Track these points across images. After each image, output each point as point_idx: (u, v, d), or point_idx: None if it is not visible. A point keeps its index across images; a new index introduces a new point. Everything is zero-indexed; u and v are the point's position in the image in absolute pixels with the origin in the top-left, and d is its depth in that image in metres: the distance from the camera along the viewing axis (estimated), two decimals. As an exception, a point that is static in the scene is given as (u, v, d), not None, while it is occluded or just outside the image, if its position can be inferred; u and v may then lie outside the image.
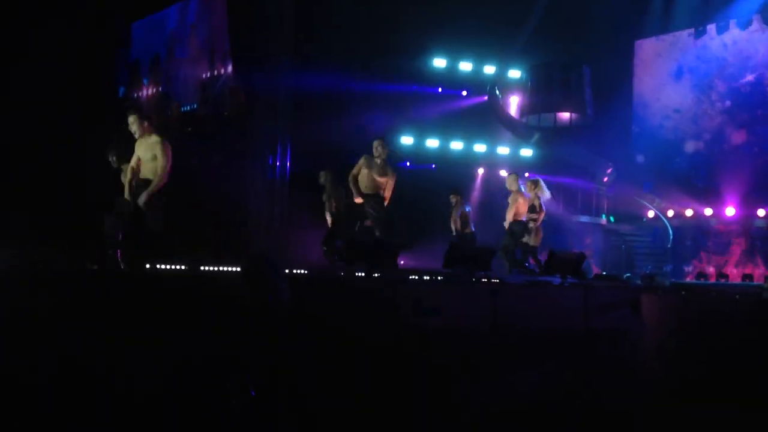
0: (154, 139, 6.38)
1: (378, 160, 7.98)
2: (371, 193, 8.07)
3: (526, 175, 9.67)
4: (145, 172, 6.38)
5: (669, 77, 15.81)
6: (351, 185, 8.27)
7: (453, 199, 9.79)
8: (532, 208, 9.18)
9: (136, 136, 6.47)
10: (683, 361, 7.08)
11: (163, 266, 5.99)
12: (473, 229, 9.76)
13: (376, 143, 8.07)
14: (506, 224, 9.18)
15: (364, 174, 8.06)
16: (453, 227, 9.76)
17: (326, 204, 9.59)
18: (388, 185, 8.06)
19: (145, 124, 6.44)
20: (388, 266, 5.05)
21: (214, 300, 4.45)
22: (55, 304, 4.14)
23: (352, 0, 12.90)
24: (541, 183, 9.32)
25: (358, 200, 7.96)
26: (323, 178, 9.59)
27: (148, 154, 6.33)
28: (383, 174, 8.06)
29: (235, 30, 13.13)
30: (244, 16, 12.84)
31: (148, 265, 6.07)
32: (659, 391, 6.92)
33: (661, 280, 10.00)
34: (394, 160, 9.27)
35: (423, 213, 12.35)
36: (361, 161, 8.05)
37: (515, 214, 9.11)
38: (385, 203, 8.07)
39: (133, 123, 6.45)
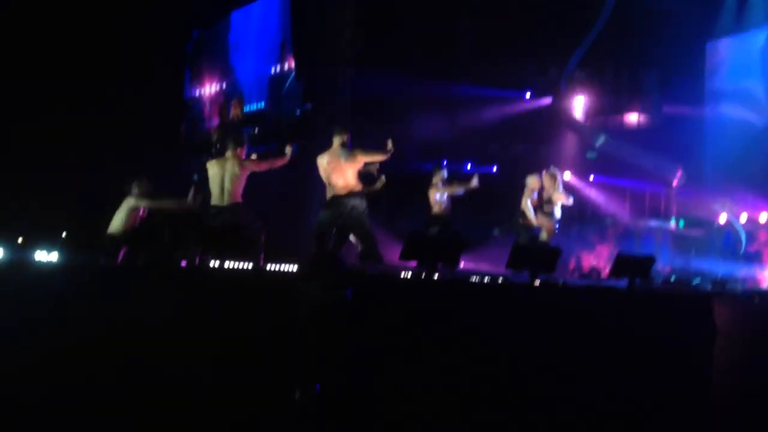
0: None
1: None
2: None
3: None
4: None
5: (742, 78, 15.26)
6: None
7: (475, 180, 9.56)
8: (547, 200, 9.23)
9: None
10: (755, 371, 6.79)
11: (228, 265, 6.10)
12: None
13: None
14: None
15: None
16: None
17: None
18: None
19: None
20: (449, 265, 4.99)
21: (279, 297, 4.47)
22: (125, 301, 4.23)
23: (413, 1, 12.90)
24: (558, 178, 9.34)
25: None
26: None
27: None
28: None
29: (297, 31, 13.25)
30: (305, 17, 12.95)
31: (216, 264, 6.21)
32: (728, 403, 6.66)
33: (734, 286, 9.62)
34: None
35: (483, 216, 12.23)
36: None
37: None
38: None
39: None
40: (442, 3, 13.56)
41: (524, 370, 5.40)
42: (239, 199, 7.41)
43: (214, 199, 7.37)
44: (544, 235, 9.21)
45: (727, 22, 15.23)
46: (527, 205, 9.23)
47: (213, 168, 7.42)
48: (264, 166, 7.70)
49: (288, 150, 7.77)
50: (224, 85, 15.96)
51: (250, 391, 4.24)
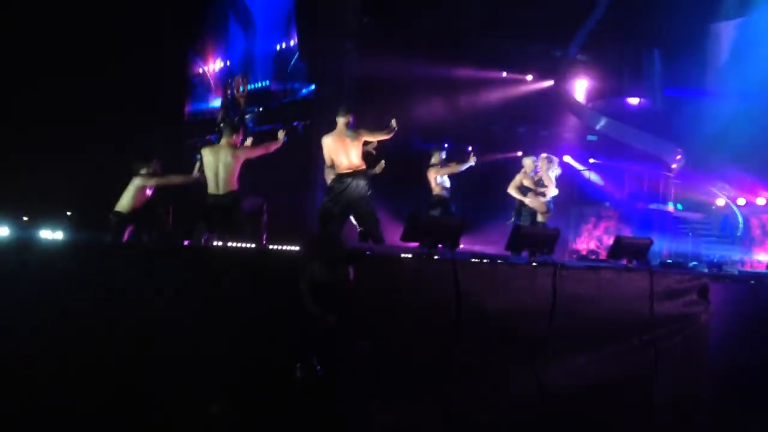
0: None
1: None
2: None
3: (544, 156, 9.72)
4: None
5: (744, 61, 15.25)
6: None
7: (473, 158, 9.63)
8: (538, 182, 9.42)
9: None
10: (750, 353, 6.90)
11: (231, 244, 6.17)
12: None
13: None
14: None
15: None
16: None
17: None
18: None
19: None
20: (450, 246, 5.06)
21: (282, 276, 4.53)
22: (129, 279, 4.31)
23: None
24: (555, 161, 9.56)
25: None
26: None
27: None
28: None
29: (301, 10, 13.20)
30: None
31: (218, 243, 6.28)
32: (723, 383, 6.77)
33: (730, 268, 9.72)
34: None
35: (483, 197, 12.31)
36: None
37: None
38: None
39: None
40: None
41: (521, 348, 5.50)
42: (235, 187, 7.36)
43: (211, 188, 7.32)
44: (539, 217, 9.37)
45: (732, 4, 15.20)
46: (513, 185, 9.46)
47: (207, 156, 7.36)
48: (258, 153, 7.59)
49: (281, 135, 7.75)
50: (229, 63, 15.82)
51: (253, 368, 4.31)
